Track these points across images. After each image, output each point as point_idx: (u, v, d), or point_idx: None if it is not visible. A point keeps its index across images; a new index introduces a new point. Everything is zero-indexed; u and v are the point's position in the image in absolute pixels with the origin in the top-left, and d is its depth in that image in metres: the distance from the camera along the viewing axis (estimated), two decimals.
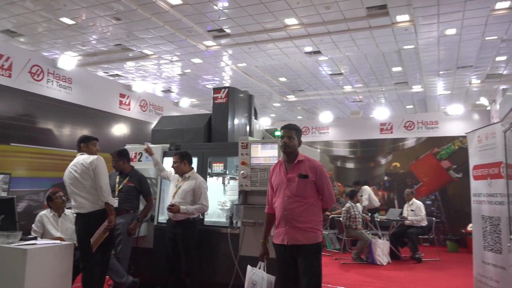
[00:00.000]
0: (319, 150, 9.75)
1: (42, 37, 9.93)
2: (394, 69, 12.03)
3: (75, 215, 4.17)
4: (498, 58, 10.75)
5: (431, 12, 7.96)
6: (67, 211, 4.76)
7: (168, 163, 5.15)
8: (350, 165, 11.83)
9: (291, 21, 8.86)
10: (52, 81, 8.51)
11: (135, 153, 5.63)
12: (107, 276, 4.47)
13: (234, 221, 4.76)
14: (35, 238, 3.91)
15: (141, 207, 5.10)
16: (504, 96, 8.61)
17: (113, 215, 4.05)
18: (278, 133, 6.10)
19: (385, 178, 11.21)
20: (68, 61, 8.81)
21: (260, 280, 3.36)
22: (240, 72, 12.38)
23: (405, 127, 12.04)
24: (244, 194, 4.83)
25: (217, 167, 5.33)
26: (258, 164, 4.72)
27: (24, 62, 7.92)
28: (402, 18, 8.51)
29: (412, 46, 9.95)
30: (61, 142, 8.23)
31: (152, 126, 6.58)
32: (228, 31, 9.48)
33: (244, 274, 3.58)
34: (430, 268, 7.22)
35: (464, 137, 8.56)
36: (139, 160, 5.58)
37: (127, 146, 5.68)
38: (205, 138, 5.67)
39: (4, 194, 6.53)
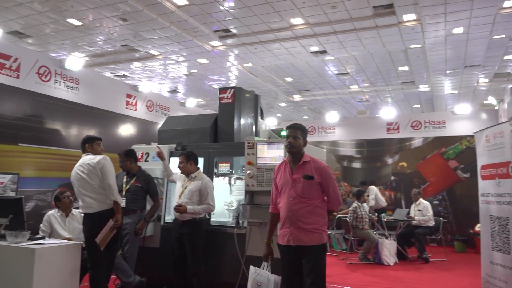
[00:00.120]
0: (325, 150, 9.73)
1: (49, 38, 10.00)
2: (401, 68, 11.96)
3: (82, 215, 4.20)
4: (506, 57, 10.65)
5: (438, 11, 7.91)
6: (74, 211, 4.80)
7: (174, 163, 5.17)
8: (356, 165, 11.79)
9: (297, 20, 8.84)
10: (59, 81, 8.57)
11: (142, 153, 5.65)
12: (114, 276, 4.50)
13: (241, 221, 4.77)
14: (43, 238, 3.94)
15: (148, 207, 5.12)
16: None
17: (120, 214, 4.08)
18: (284, 133, 6.09)
19: (392, 178, 11.16)
20: (75, 62, 8.88)
21: (266, 281, 3.33)
22: (246, 72, 12.38)
23: (412, 127, 11.99)
24: (250, 194, 4.83)
25: (223, 167, 5.33)
26: (264, 164, 4.72)
27: (32, 63, 7.99)
28: (409, 17, 8.45)
29: (419, 45, 9.88)
30: (68, 142, 8.30)
31: (159, 126, 6.61)
32: (234, 31, 9.48)
33: None
34: (438, 268, 7.18)
35: (472, 136, 8.50)
36: (145, 160, 5.60)
37: (134, 146, 5.71)
38: (211, 138, 5.69)
39: (12, 194, 6.59)
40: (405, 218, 8.06)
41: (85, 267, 4.16)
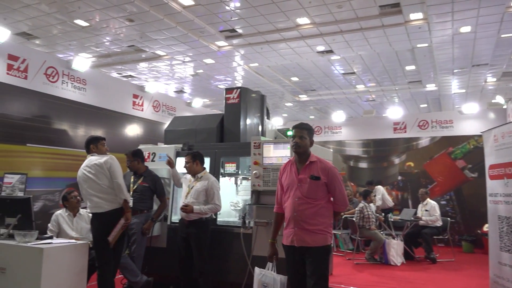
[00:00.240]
0: (331, 150, 9.71)
1: (57, 39, 10.07)
2: (408, 67, 11.90)
3: (90, 215, 4.22)
4: None
5: (445, 9, 7.86)
6: (82, 211, 4.82)
7: (180, 163, 5.18)
8: (363, 165, 11.75)
9: (303, 20, 8.83)
10: (66, 82, 8.63)
11: (149, 153, 5.67)
12: (121, 275, 4.52)
13: (247, 221, 4.77)
14: (51, 237, 3.97)
15: (155, 207, 5.14)
16: None
17: (130, 212, 4.10)
18: (290, 133, 6.08)
19: (399, 178, 11.10)
20: (82, 62, 8.94)
21: (272, 281, 3.31)
22: (252, 72, 12.39)
23: (419, 126, 11.93)
24: (256, 194, 4.83)
25: (230, 167, 5.34)
26: (270, 164, 4.72)
27: (39, 64, 8.06)
28: (416, 16, 8.41)
29: (426, 45, 9.83)
30: (75, 142, 8.35)
31: (165, 126, 6.63)
32: (240, 31, 9.49)
33: None
34: (445, 269, 7.13)
35: (480, 136, 8.44)
36: (152, 160, 5.62)
37: (141, 146, 5.73)
38: (217, 138, 5.69)
39: (20, 194, 6.63)
40: (412, 218, 8.01)
41: (92, 266, 4.19)
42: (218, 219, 5.13)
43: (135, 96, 10.68)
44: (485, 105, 12.45)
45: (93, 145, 4.26)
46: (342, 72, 12.50)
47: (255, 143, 4.84)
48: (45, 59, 8.31)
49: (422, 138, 11.13)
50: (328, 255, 3.22)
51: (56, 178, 7.91)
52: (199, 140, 5.70)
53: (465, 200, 10.09)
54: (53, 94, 8.22)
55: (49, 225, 4.64)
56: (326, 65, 11.82)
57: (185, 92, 15.05)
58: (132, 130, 10.26)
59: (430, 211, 7.90)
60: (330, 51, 10.51)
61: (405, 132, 12.01)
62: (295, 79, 13.30)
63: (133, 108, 10.55)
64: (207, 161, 5.11)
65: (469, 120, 11.51)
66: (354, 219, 7.81)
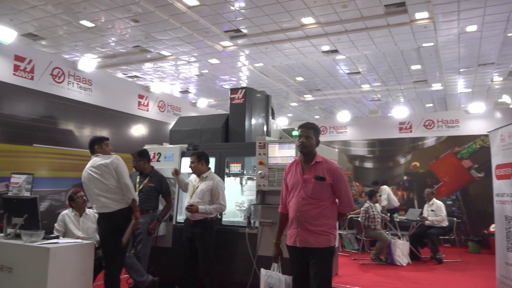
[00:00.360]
0: (337, 150, 9.69)
1: (62, 40, 10.13)
2: (413, 67, 11.84)
3: (96, 215, 4.23)
4: None
5: (451, 8, 7.81)
6: (88, 211, 4.85)
7: (185, 163, 5.19)
8: (368, 164, 11.71)
9: (308, 20, 8.82)
10: (72, 83, 8.68)
11: (154, 154, 5.69)
12: (127, 275, 4.53)
13: (252, 221, 4.77)
14: (57, 237, 3.99)
15: (160, 207, 5.15)
16: None
17: (138, 211, 4.11)
18: (295, 132, 6.09)
19: (405, 177, 11.06)
20: (88, 63, 8.99)
21: (277, 282, 3.30)
22: (257, 72, 12.39)
23: (425, 126, 11.87)
24: (261, 194, 4.83)
25: (235, 167, 5.35)
26: (275, 164, 4.72)
27: (45, 64, 8.11)
28: (421, 15, 8.37)
29: (432, 44, 9.78)
30: (81, 143, 8.39)
31: (170, 126, 6.65)
32: (244, 31, 9.49)
33: None
34: (451, 269, 7.10)
35: (486, 135, 8.38)
36: (157, 160, 5.64)
37: (146, 147, 5.75)
38: (222, 138, 5.70)
39: (27, 194, 6.68)
40: (418, 218, 7.98)
41: (98, 266, 4.20)
42: (223, 219, 5.14)
43: (141, 97, 10.72)
44: (491, 104, 12.37)
45: (97, 145, 4.26)
46: (347, 71, 12.47)
47: (260, 143, 4.84)
48: (51, 59, 8.36)
49: (428, 137, 11.07)
50: (331, 257, 3.19)
51: (63, 178, 7.96)
52: (204, 140, 5.71)
53: (471, 200, 10.03)
54: (59, 94, 8.27)
55: (55, 225, 4.67)
56: (331, 65, 11.80)
57: (190, 92, 15.07)
58: (138, 130, 10.30)
59: (436, 211, 7.87)
60: (335, 51, 10.49)
61: (411, 131, 11.95)
62: (300, 79, 13.28)
63: (138, 108, 10.59)
64: (212, 161, 5.12)
65: (476, 119, 11.43)
66: (359, 219, 7.79)
